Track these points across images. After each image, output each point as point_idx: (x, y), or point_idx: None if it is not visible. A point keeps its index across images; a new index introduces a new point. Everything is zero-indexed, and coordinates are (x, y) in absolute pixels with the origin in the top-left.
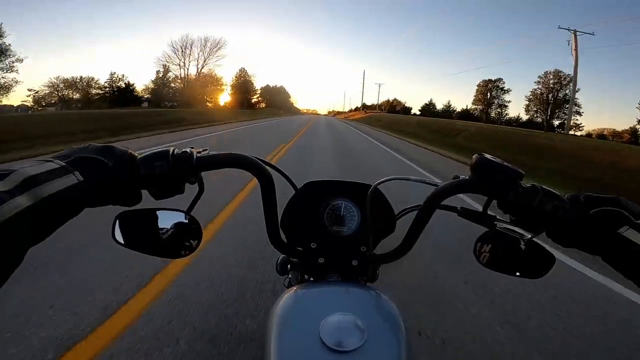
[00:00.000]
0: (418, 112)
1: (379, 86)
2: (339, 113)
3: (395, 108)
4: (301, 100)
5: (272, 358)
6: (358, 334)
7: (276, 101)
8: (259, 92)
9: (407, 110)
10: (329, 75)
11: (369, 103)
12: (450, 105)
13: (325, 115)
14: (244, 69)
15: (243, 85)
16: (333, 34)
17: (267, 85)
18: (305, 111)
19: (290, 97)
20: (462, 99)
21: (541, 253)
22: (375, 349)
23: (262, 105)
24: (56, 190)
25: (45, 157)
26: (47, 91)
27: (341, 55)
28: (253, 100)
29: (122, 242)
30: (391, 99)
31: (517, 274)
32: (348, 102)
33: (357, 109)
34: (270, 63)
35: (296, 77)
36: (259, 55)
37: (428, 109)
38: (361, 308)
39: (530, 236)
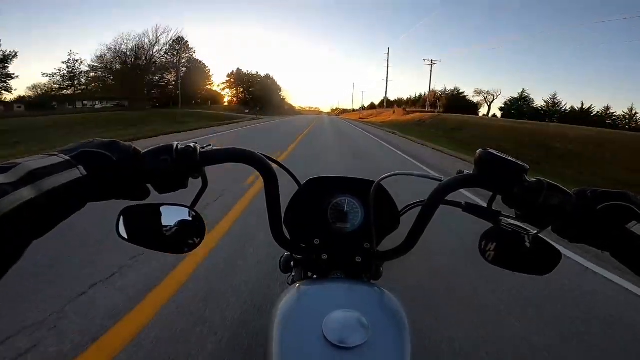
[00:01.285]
0: (499, 113)
1: (432, 65)
2: (344, 111)
3: (470, 105)
4: (302, 98)
5: (275, 355)
6: (362, 331)
7: (257, 96)
8: (218, 83)
9: (470, 107)
10: (333, 68)
11: (392, 97)
12: (557, 102)
13: (328, 114)
14: (181, 38)
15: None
16: (338, 15)
17: (238, 70)
18: (307, 109)
19: (281, 90)
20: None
21: (547, 249)
22: (379, 345)
23: (226, 101)
24: (60, 184)
25: (50, 151)
26: None
27: (349, 41)
28: (225, 92)
29: (126, 237)
30: (437, 88)
31: (523, 270)
32: (359, 97)
33: (374, 106)
34: (265, 57)
35: (296, 73)
36: (248, 47)
37: (517, 107)
38: (365, 305)
39: (536, 231)
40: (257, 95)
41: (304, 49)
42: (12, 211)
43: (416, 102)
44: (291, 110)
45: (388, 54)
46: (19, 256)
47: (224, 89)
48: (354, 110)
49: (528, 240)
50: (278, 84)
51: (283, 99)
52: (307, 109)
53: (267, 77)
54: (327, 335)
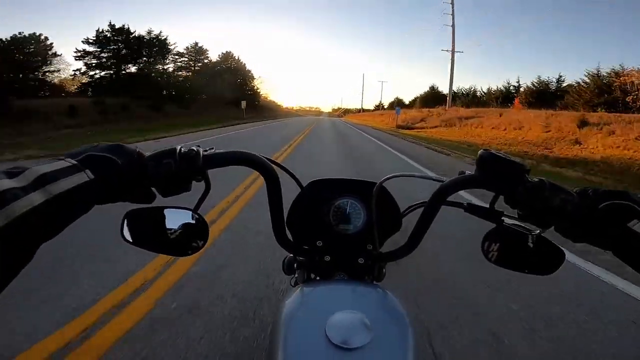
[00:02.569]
0: None
1: None
2: (347, 112)
3: None
4: (302, 98)
5: (279, 356)
6: (365, 332)
7: (196, 85)
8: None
9: None
10: (335, 66)
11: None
12: None
13: (329, 114)
14: None
15: None
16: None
17: (114, 28)
18: (307, 110)
19: (255, 79)
20: None
21: (550, 249)
22: (382, 346)
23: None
24: (68, 188)
25: (58, 154)
26: None
27: (352, 34)
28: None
29: (130, 240)
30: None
31: (527, 270)
32: (371, 92)
33: (402, 103)
34: (261, 57)
35: (296, 73)
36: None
37: None
38: (368, 306)
39: (538, 231)
40: (194, 85)
41: (303, 48)
42: (23, 215)
43: (504, 97)
44: (272, 110)
45: (452, 10)
46: (29, 258)
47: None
48: (363, 110)
49: (531, 240)
50: (248, 68)
51: (257, 91)
52: (308, 109)
53: (228, 56)
54: (330, 336)
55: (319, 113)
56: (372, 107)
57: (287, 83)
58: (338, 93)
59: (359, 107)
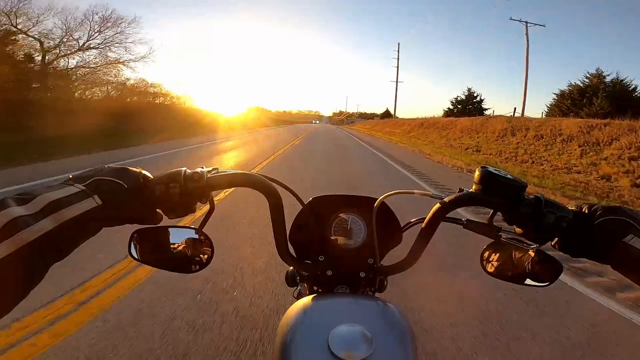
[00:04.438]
0: None
1: None
2: (349, 117)
3: None
4: (300, 100)
5: None
6: (367, 344)
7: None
8: None
9: None
10: (342, 59)
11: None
12: None
13: (329, 118)
14: None
15: None
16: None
17: None
18: (305, 114)
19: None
20: None
21: (548, 261)
22: (383, 359)
23: None
24: (77, 214)
25: (65, 176)
26: None
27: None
28: None
29: (137, 257)
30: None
31: (525, 283)
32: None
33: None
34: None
35: (295, 73)
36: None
37: None
38: (369, 319)
39: (536, 246)
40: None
41: (300, 43)
42: (34, 241)
43: None
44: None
45: None
46: (39, 279)
47: None
48: (390, 115)
49: (529, 254)
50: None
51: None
52: (307, 112)
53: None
54: (333, 349)
55: (319, 116)
56: (432, 112)
57: (280, 85)
58: (344, 93)
59: (368, 111)
